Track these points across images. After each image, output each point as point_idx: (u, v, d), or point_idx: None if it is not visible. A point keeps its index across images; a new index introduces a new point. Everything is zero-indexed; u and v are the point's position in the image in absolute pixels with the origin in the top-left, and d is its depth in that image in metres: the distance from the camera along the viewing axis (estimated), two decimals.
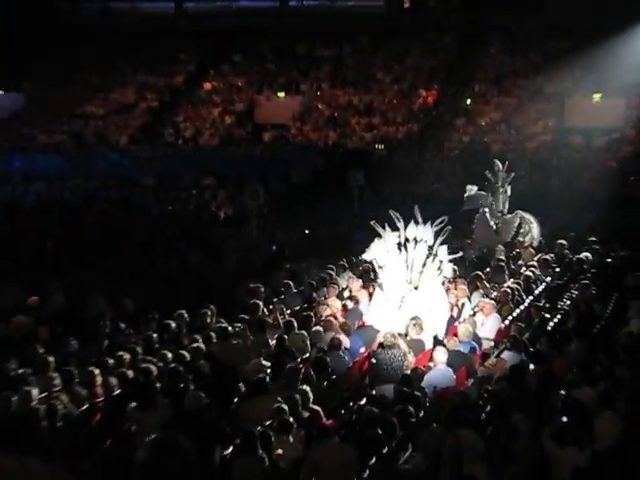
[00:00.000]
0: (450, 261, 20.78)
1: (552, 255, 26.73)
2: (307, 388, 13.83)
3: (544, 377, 14.27)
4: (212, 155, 41.87)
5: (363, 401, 14.29)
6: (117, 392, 14.58)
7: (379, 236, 19.62)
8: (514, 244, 27.33)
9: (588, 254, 26.43)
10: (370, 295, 20.46)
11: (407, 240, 19.41)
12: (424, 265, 19.32)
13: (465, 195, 28.08)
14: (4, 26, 48.95)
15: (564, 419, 11.55)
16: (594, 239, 28.10)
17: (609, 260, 25.60)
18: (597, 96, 41.18)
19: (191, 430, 9.67)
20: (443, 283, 20.26)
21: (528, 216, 27.96)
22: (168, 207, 35.78)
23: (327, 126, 43.64)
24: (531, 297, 22.19)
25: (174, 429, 10.42)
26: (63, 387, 14.56)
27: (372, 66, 47.16)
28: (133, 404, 13.34)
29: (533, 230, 27.76)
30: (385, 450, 11.42)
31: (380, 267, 19.85)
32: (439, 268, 19.55)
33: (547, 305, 21.55)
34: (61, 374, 14.98)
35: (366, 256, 20.50)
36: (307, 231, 28.38)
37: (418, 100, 44.70)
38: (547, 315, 20.27)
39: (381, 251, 19.74)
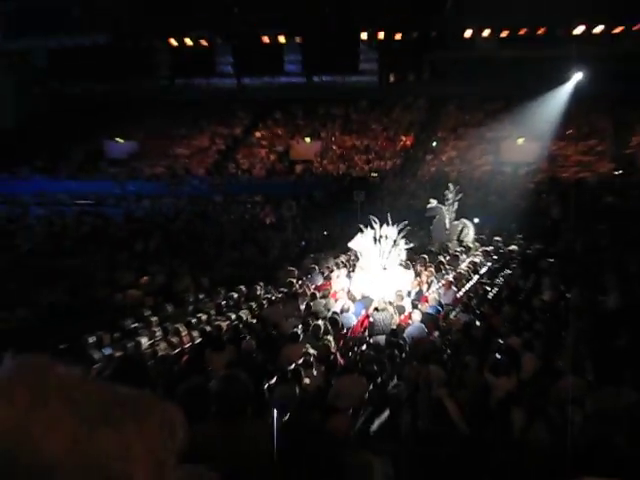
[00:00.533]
0: (419, 251, 22.63)
1: (491, 247, 26.87)
2: (330, 338, 13.93)
3: (486, 330, 14.26)
4: (261, 181, 41.84)
5: (364, 347, 14.37)
6: (198, 341, 14.65)
7: (361, 232, 20.86)
8: (461, 241, 27.57)
9: (515, 247, 26.60)
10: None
11: (380, 236, 20.54)
12: (390, 253, 20.44)
13: (428, 207, 28.36)
14: (122, 96, 49.26)
15: (499, 357, 11.54)
16: (520, 236, 28.26)
17: (529, 251, 25.59)
18: (521, 140, 41.11)
19: (247, 367, 9.65)
20: (405, 265, 21.04)
21: (468, 222, 28.27)
22: (231, 216, 35.79)
23: (339, 161, 43.57)
24: (477, 276, 22.30)
25: (236, 366, 10.41)
26: (162, 338, 14.66)
27: (369, 120, 47.09)
28: (209, 349, 13.41)
29: (470, 232, 28.10)
30: (379, 380, 11.43)
31: (360, 254, 20.88)
32: (399, 255, 20.72)
33: (488, 281, 21.64)
34: (161, 329, 15.09)
35: (350, 245, 21.52)
36: (325, 233, 28.29)
37: (400, 143, 44.68)
38: (488, 288, 20.37)
39: (361, 243, 20.81)
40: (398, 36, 44.06)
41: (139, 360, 10.86)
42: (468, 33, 42.56)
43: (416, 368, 11.07)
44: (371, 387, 11.09)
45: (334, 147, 45.41)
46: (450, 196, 28.72)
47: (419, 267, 22.10)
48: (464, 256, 25.25)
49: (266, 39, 46.66)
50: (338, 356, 13.45)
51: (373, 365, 12.00)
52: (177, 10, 38.93)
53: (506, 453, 8.64)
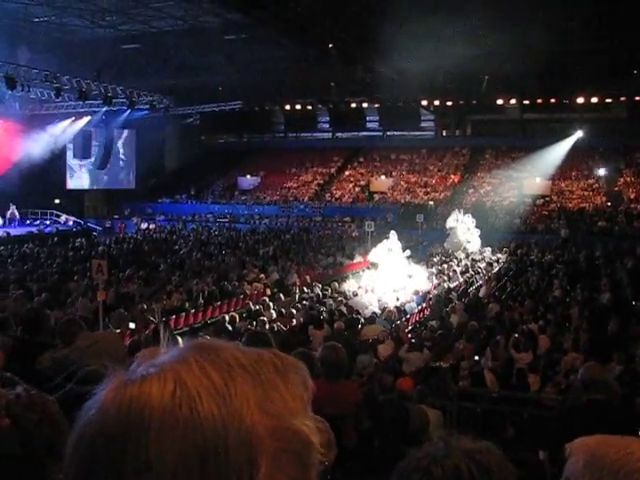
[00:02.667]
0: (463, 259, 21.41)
1: (515, 257, 26.52)
2: (398, 322, 13.89)
3: (512, 317, 14.06)
4: (348, 207, 41.82)
5: (422, 328, 14.26)
6: (302, 321, 14.70)
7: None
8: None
9: (533, 257, 26.09)
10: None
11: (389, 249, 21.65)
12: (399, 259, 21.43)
13: (447, 226, 28.55)
14: (250, 146, 49.82)
15: (520, 338, 11.40)
16: (536, 249, 27.85)
17: (544, 260, 24.93)
18: (538, 179, 40.34)
19: (338, 341, 9.70)
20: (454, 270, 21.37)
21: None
22: (326, 231, 35.94)
23: (405, 193, 43.28)
24: (505, 277, 21.83)
25: (332, 340, 10.45)
26: (277, 318, 14.77)
27: (427, 163, 46.63)
28: (311, 327, 13.47)
29: (475, 242, 27.91)
30: (433, 353, 11.36)
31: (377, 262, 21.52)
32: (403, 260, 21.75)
33: (513, 281, 20.96)
34: (276, 311, 15.22)
35: (370, 257, 22.44)
36: None
37: (450, 180, 44.23)
38: (514, 287, 19.85)
39: (380, 252, 21.69)
40: (449, 103, 43.87)
41: (263, 333, 11.04)
42: (499, 101, 42.24)
43: (461, 344, 10.99)
44: (427, 358, 11.03)
45: (402, 182, 45.13)
46: (461, 218, 28.54)
47: (462, 271, 21.88)
48: (496, 263, 24.91)
49: (353, 105, 47.02)
50: (407, 332, 13.41)
51: (429, 342, 11.95)
52: (292, 84, 39.59)
53: (524, 409, 8.56)
